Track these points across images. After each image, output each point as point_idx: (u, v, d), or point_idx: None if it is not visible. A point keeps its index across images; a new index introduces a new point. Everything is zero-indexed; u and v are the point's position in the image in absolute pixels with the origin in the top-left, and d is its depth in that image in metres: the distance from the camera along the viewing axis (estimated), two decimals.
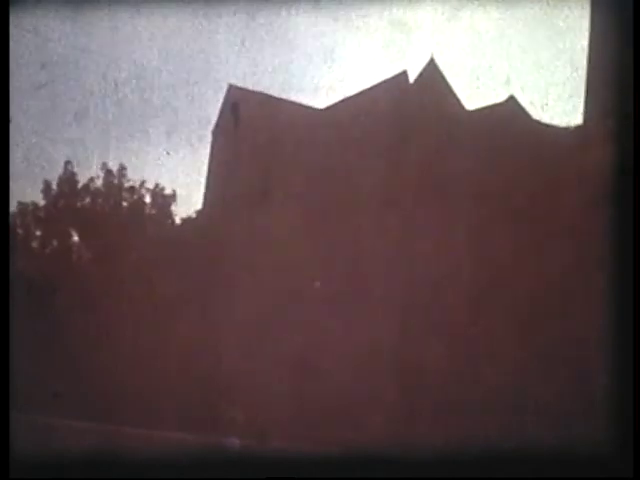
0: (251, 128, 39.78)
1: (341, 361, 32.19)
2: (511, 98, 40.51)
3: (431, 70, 41.31)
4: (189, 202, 43.93)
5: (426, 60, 41.82)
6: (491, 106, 40.39)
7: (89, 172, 41.81)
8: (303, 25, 40.85)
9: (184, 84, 45.87)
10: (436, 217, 34.87)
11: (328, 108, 42.32)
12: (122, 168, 42.22)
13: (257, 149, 39.79)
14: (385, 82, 40.43)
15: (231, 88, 42.92)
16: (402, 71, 40.65)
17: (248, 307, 34.14)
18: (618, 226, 27.60)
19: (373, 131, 37.50)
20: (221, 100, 44.16)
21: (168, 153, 37.95)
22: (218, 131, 43.29)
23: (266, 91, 41.79)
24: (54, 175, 41.92)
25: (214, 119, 44.14)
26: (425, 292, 33.68)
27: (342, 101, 41.64)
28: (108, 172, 41.91)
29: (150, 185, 42.72)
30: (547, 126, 40.15)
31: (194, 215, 43.32)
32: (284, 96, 41.91)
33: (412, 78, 40.93)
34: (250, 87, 41.74)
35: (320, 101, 43.40)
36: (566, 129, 40.51)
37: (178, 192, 42.75)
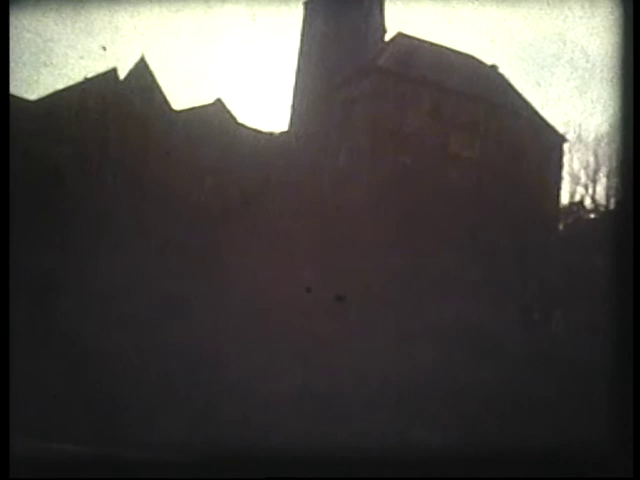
0: None
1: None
2: (218, 101, 41.53)
3: (141, 69, 41.43)
4: None
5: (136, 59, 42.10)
6: (197, 107, 41.12)
7: None
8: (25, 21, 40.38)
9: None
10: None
11: (40, 100, 41.51)
12: None
13: None
14: (94, 78, 40.21)
15: None
16: (112, 68, 40.62)
17: None
18: (619, 227, 27.61)
19: (81, 124, 37.30)
20: None
21: None
22: None
23: None
24: None
25: None
26: None
27: (53, 94, 41.07)
28: None
29: None
30: (251, 129, 41.66)
31: None
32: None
33: (122, 75, 40.93)
34: None
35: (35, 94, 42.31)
36: (271, 134, 42.48)
37: None
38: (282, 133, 44.06)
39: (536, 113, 43.94)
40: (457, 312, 32.88)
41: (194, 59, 59.38)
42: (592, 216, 38.45)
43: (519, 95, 44.76)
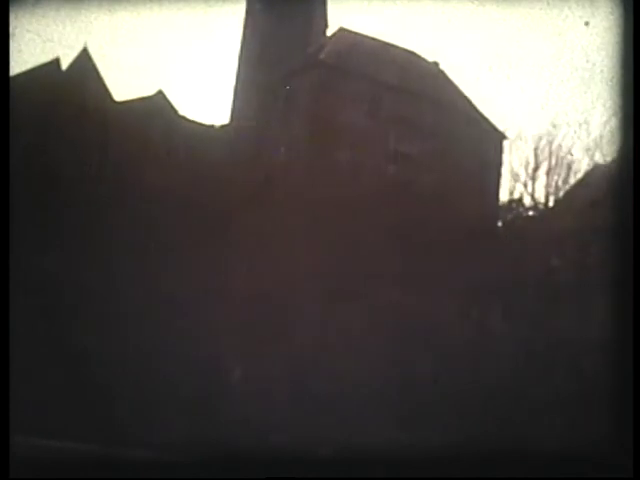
0: None
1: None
2: (160, 92, 41.56)
3: (83, 60, 41.12)
4: None
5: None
6: (139, 99, 41.07)
7: None
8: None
9: None
10: None
11: None
12: None
13: None
14: (37, 68, 39.95)
15: None
16: (55, 58, 40.38)
17: None
18: (619, 225, 27.63)
19: (24, 115, 37.33)
20: None
21: None
22: None
23: None
24: None
25: None
26: None
27: None
28: None
29: None
30: (192, 122, 41.78)
31: None
32: None
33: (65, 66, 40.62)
34: None
35: None
36: (211, 126, 42.53)
37: None
38: (223, 126, 44.06)
39: (476, 110, 44.12)
40: (395, 306, 33.01)
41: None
42: (531, 213, 38.61)
43: (460, 92, 44.94)
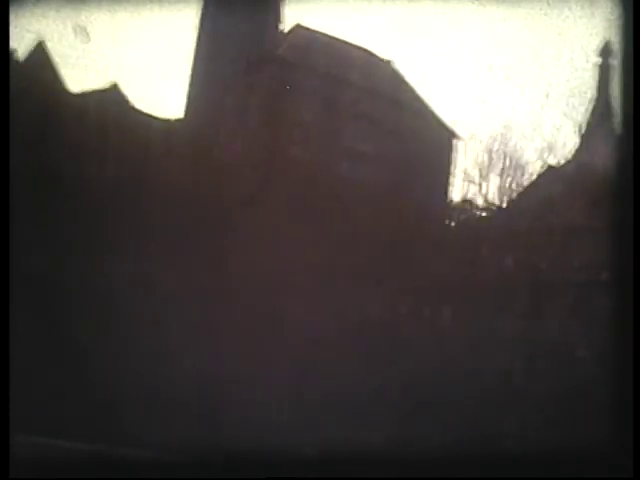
0: None
1: None
2: (114, 85, 41.49)
3: (39, 51, 40.99)
4: None
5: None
6: (94, 91, 41.02)
7: None
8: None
9: None
10: None
11: None
12: None
13: None
14: None
15: None
16: (12, 50, 40.46)
17: None
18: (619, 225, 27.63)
19: None
20: None
21: None
22: None
23: None
24: None
25: None
26: None
27: None
28: None
29: None
30: (147, 115, 41.82)
31: None
32: None
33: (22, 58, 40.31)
34: None
35: None
36: (167, 121, 42.63)
37: None
38: (177, 120, 44.05)
39: (429, 109, 44.35)
40: (348, 306, 33.06)
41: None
42: (484, 214, 38.68)
43: (414, 91, 45.21)
